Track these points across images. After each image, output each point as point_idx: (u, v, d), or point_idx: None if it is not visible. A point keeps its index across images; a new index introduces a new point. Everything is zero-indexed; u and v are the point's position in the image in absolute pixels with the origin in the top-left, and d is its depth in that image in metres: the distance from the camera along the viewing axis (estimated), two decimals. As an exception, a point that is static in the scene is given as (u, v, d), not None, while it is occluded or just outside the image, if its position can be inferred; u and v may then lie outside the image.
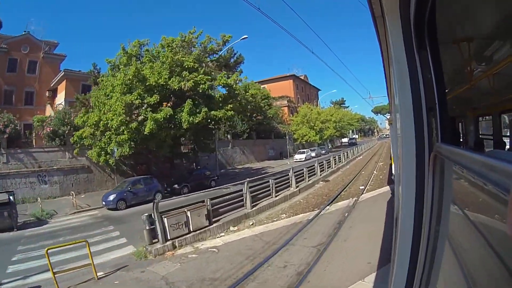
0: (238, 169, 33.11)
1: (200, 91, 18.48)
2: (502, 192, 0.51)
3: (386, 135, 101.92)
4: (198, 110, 18.00)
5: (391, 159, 13.92)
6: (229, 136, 35.77)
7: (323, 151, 43.66)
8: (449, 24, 2.27)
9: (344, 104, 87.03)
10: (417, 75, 1.17)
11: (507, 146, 4.82)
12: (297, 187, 15.73)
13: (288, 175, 16.17)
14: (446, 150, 0.98)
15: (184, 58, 18.37)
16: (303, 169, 17.80)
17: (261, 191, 13.15)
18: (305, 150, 40.11)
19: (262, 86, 56.22)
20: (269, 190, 13.51)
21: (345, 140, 76.14)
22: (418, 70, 1.17)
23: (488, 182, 0.55)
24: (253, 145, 39.89)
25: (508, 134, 5.10)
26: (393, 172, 8.74)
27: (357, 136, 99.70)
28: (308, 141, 46.16)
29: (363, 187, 15.42)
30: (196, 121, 17.59)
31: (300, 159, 36.48)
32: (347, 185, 16.51)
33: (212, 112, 18.51)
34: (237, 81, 20.77)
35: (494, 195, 0.72)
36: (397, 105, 1.36)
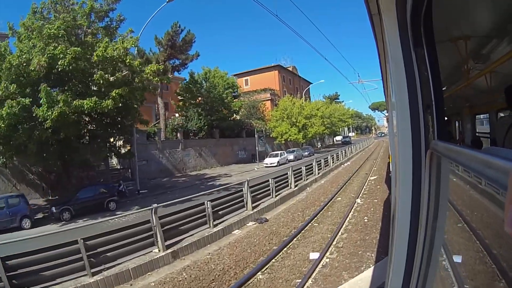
0: (188, 176, 25.63)
1: (60, 69, 12.89)
2: (499, 189, 0.51)
3: (383, 133, 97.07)
4: (63, 99, 12.58)
5: (389, 157, 13.57)
6: (178, 134, 28.74)
7: (306, 153, 36.43)
8: (446, 22, 2.28)
9: (338, 99, 79.02)
10: (413, 73, 1.17)
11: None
12: (169, 246, 7.40)
13: (203, 205, 8.65)
14: (443, 147, 0.98)
15: (46, 25, 13.15)
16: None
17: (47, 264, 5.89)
18: (279, 152, 32.70)
19: (244, 78, 50.47)
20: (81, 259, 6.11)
21: (338, 138, 70.41)
22: (415, 68, 1.17)
23: (485, 179, 0.55)
24: (215, 145, 32.20)
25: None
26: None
27: (353, 134, 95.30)
28: (289, 140, 39.01)
29: (315, 256, 6.71)
30: (53, 116, 12.37)
31: (271, 163, 28.78)
32: (289, 243, 7.72)
33: (75, 103, 12.81)
34: (125, 51, 14.50)
35: (491, 192, 0.72)
36: (393, 103, 1.37)
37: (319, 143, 55.28)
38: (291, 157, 32.45)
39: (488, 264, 0.81)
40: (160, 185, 21.81)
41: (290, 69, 58.47)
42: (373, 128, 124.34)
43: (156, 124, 29.32)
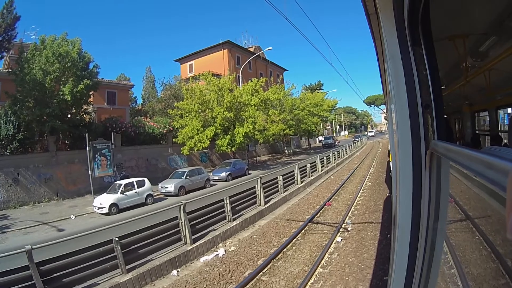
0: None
1: None
2: (499, 189, 0.50)
3: (376, 131, 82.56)
4: None
5: (389, 155, 13.52)
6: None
7: (223, 173, 20.69)
8: (443, 20, 2.28)
9: (322, 89, 60.75)
10: (412, 72, 1.16)
11: (504, 141, 4.84)
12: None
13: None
14: (442, 147, 0.97)
15: None
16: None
17: None
18: (132, 180, 15.88)
19: (188, 63, 40.05)
20: None
21: (322, 138, 55.00)
22: (413, 67, 1.17)
23: (485, 179, 0.55)
24: (49, 164, 18.60)
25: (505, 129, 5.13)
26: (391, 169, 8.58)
27: (345, 133, 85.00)
28: (200, 149, 22.68)
29: None
30: None
31: (100, 208, 14.34)
32: None
33: None
34: None
35: (491, 192, 0.72)
36: (392, 102, 1.36)
37: (285, 148, 40.07)
38: (170, 187, 17.50)
39: (490, 266, 0.80)
40: None
41: (252, 49, 42.25)
42: (369, 125, 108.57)
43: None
